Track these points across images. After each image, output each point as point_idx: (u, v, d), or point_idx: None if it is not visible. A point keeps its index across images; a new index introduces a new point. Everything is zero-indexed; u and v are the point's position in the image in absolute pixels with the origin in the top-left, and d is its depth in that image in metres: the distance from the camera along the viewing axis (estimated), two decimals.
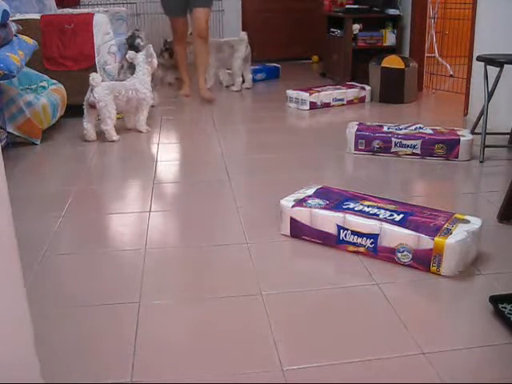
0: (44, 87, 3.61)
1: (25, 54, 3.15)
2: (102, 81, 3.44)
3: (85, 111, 3.40)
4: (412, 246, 1.78)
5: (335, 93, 4.34)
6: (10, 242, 0.90)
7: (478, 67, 3.32)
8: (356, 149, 3.05)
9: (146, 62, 3.57)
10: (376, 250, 1.85)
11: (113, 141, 3.40)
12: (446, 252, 1.72)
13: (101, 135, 3.43)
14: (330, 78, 5.32)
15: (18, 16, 3.80)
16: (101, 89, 3.33)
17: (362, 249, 1.88)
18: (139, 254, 1.94)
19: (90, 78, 3.33)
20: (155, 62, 3.66)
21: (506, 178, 2.65)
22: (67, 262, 1.92)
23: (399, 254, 1.81)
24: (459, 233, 1.75)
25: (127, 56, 3.68)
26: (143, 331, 1.49)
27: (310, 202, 2.03)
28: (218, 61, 4.95)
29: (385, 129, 3.05)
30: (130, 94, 3.46)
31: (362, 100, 4.44)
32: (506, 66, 2.88)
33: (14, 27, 3.15)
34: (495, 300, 1.55)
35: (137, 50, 4.02)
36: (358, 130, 3.05)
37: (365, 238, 1.87)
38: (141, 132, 3.61)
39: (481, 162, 2.88)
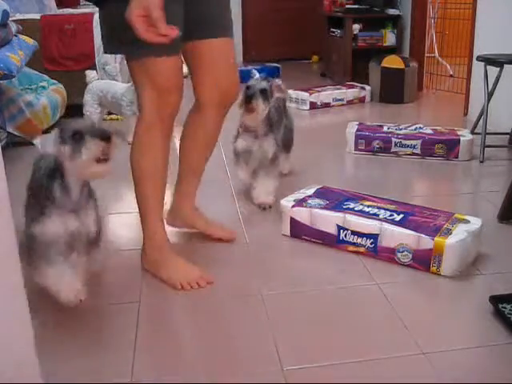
0: (44, 87, 3.61)
1: (25, 53, 3.15)
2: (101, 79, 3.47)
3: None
4: (412, 245, 1.77)
5: (335, 93, 4.34)
6: (10, 242, 0.90)
7: (478, 67, 3.31)
8: (356, 149, 3.05)
9: None
10: (376, 250, 1.85)
11: None
12: (446, 252, 1.71)
13: None
14: (330, 78, 5.32)
15: (18, 16, 3.80)
16: (89, 86, 3.39)
17: (361, 249, 1.88)
18: (139, 254, 1.94)
19: (86, 77, 3.41)
20: None
21: (506, 178, 2.65)
22: None
23: (399, 254, 1.81)
24: (459, 233, 1.75)
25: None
26: (143, 331, 1.49)
27: (310, 201, 2.03)
28: None
29: (385, 129, 3.05)
30: (109, 95, 3.36)
31: (362, 100, 4.44)
32: (506, 65, 2.87)
33: (13, 27, 3.15)
34: (495, 300, 1.55)
35: None
36: (357, 130, 3.05)
37: (365, 238, 1.87)
38: None
39: (481, 161, 2.88)
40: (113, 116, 3.78)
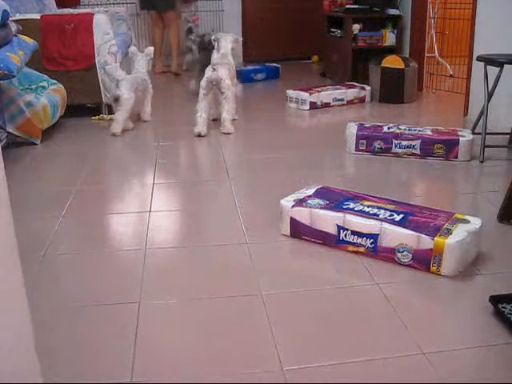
0: (44, 87, 3.61)
1: (25, 53, 3.15)
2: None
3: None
4: (412, 245, 1.78)
5: (335, 93, 4.34)
6: (10, 242, 0.90)
7: (477, 67, 3.31)
8: (356, 149, 3.05)
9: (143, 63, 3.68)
10: (376, 250, 1.85)
11: None
12: (446, 252, 1.71)
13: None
14: (330, 78, 5.32)
15: (18, 16, 3.80)
16: None
17: (361, 249, 1.88)
18: (139, 253, 1.94)
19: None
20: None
21: (506, 178, 2.65)
22: (67, 262, 1.92)
23: (399, 254, 1.81)
24: (459, 233, 1.75)
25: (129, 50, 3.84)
26: (143, 331, 1.49)
27: (310, 201, 2.03)
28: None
29: (385, 129, 3.05)
30: None
31: (361, 100, 4.44)
32: (506, 65, 2.87)
33: (14, 27, 3.15)
34: (495, 300, 1.55)
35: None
36: (358, 130, 3.04)
37: (365, 238, 1.87)
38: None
39: (481, 161, 2.88)
40: (112, 116, 3.77)
